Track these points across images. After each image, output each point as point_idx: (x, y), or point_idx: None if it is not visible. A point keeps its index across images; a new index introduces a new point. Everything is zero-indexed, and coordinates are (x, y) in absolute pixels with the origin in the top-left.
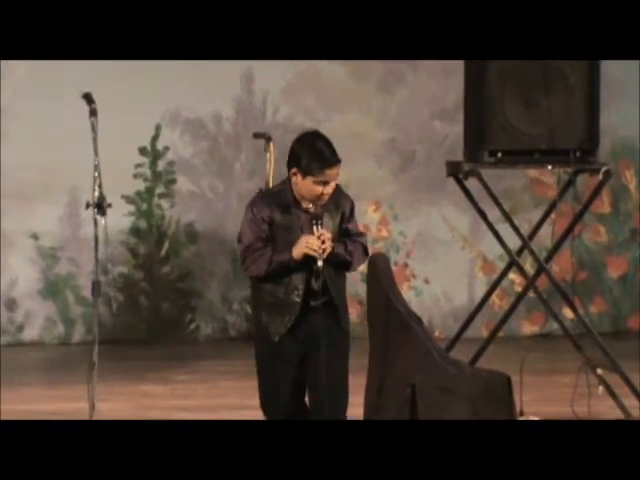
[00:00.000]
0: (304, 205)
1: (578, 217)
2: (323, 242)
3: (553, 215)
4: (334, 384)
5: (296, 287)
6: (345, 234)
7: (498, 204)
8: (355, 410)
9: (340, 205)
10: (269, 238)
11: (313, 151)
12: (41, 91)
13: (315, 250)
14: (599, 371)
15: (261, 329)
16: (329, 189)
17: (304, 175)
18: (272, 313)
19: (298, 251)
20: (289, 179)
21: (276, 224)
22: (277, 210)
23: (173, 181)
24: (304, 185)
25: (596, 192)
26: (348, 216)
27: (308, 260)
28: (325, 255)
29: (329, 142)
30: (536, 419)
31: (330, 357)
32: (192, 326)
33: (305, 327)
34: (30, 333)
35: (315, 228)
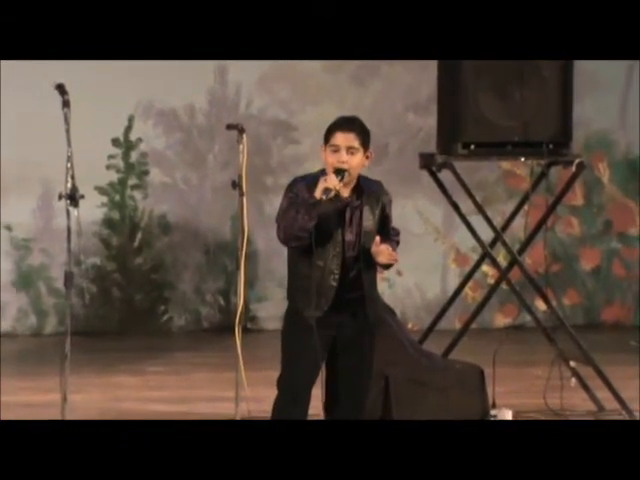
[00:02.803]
0: (341, 193)
1: (551, 209)
2: (342, 179)
3: (526, 207)
4: (360, 384)
5: (332, 271)
6: (386, 231)
7: (471, 196)
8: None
9: (380, 199)
10: None
11: (333, 121)
12: (13, 83)
13: (332, 186)
14: (572, 363)
15: (293, 313)
16: (345, 157)
17: (325, 145)
18: (308, 297)
19: (318, 189)
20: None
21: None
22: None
23: (146, 172)
24: (326, 158)
25: (569, 184)
26: (388, 211)
27: (336, 224)
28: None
29: (354, 118)
30: (509, 411)
31: (359, 356)
32: (165, 317)
33: (337, 318)
34: (2, 324)
35: (336, 177)
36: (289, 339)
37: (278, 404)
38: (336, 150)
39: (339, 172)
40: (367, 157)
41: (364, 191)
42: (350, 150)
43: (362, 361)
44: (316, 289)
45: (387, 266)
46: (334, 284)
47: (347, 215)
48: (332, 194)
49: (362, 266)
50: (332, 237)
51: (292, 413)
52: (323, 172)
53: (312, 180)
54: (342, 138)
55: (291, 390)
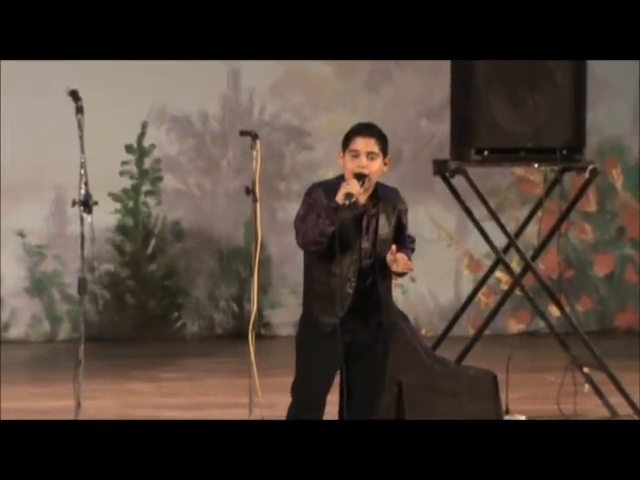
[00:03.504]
0: (359, 200)
1: (564, 215)
2: (363, 184)
3: (539, 213)
4: (373, 389)
5: (349, 279)
6: (401, 239)
7: (484, 202)
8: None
9: (397, 207)
10: None
11: (352, 127)
12: (27, 89)
13: (354, 191)
14: (585, 369)
15: (309, 319)
16: (365, 162)
17: (343, 151)
18: (324, 303)
19: (340, 194)
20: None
21: None
22: (333, 199)
23: (159, 179)
24: (345, 164)
25: (582, 190)
26: (404, 220)
27: (355, 238)
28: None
29: (372, 124)
30: (522, 417)
31: (373, 362)
32: (178, 324)
33: (352, 324)
34: (16, 331)
35: (358, 182)
36: (304, 345)
37: (292, 411)
38: (356, 155)
39: (360, 177)
40: (385, 164)
41: (380, 198)
42: (370, 155)
43: (376, 367)
44: (333, 296)
45: (402, 274)
46: (350, 292)
47: (364, 222)
48: (354, 199)
49: (378, 274)
50: (349, 244)
51: (306, 420)
52: (340, 178)
53: (330, 186)
54: (362, 143)
55: (305, 397)
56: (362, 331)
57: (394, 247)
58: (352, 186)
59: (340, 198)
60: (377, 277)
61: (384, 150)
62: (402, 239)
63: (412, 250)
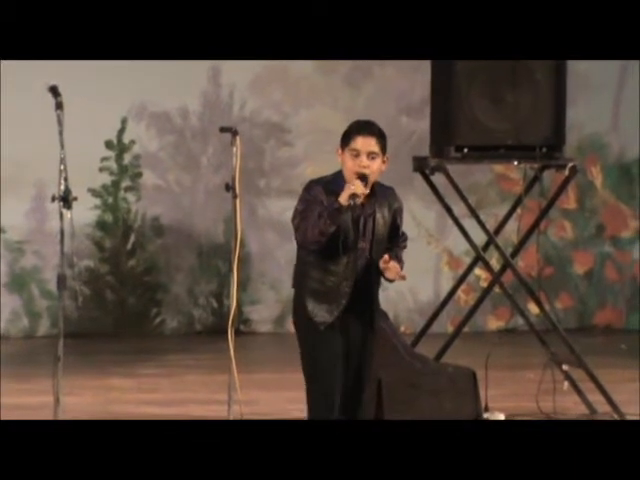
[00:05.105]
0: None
1: (544, 213)
2: (365, 184)
3: (519, 210)
4: (363, 386)
5: (346, 278)
6: (395, 237)
7: (464, 199)
8: None
9: (392, 206)
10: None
11: (351, 124)
12: (6, 84)
13: (360, 192)
14: (564, 367)
15: (303, 317)
16: (366, 162)
17: (342, 149)
18: (319, 301)
19: (344, 195)
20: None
21: None
22: (332, 197)
23: (139, 175)
24: (344, 162)
25: (562, 188)
26: (399, 220)
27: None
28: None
29: (372, 122)
30: (501, 415)
31: (364, 360)
32: (158, 320)
33: (345, 322)
34: None
35: (362, 183)
36: (307, 345)
37: (315, 413)
38: (356, 155)
39: (363, 177)
40: (384, 162)
41: (377, 198)
42: (371, 155)
43: (366, 365)
44: (329, 294)
45: (393, 280)
46: (347, 290)
47: (361, 222)
48: (358, 200)
49: (373, 274)
50: (348, 244)
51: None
52: (338, 175)
53: (329, 184)
54: (363, 143)
55: (324, 395)
56: (355, 329)
57: (386, 256)
58: (357, 187)
59: (344, 199)
60: (372, 277)
61: (384, 149)
62: (395, 236)
63: (404, 247)
